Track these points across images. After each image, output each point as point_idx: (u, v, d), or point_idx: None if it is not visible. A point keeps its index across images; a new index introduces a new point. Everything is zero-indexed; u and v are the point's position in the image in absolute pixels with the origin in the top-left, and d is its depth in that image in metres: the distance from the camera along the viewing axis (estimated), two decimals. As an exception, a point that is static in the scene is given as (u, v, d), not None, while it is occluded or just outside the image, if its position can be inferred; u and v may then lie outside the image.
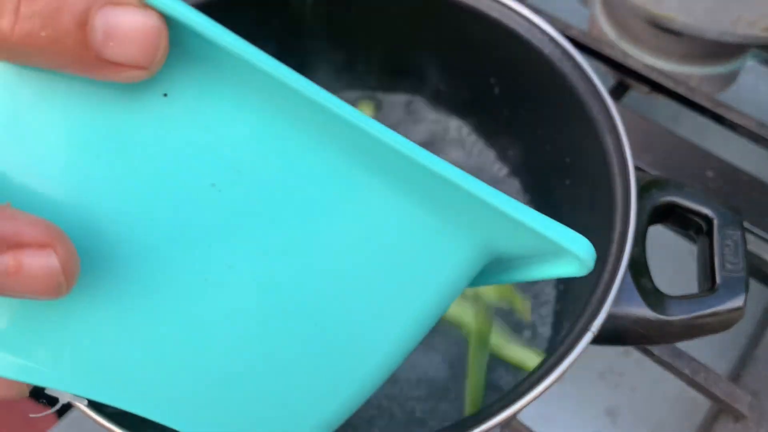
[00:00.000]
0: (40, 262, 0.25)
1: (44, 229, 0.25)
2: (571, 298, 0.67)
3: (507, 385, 0.67)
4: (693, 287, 0.59)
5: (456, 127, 0.83)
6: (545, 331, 0.71)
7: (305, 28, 0.77)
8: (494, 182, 0.78)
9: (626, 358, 0.82)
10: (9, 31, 0.23)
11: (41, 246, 0.25)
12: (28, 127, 0.25)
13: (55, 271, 0.25)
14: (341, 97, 0.28)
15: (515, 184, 0.77)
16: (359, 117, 0.28)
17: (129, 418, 0.50)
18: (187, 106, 0.28)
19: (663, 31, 0.93)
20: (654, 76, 0.90)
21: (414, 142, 0.30)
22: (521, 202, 0.34)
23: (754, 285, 0.81)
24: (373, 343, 0.34)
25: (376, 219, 0.31)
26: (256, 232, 0.30)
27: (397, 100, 0.85)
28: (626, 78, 0.94)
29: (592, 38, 0.94)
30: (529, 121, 0.74)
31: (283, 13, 0.75)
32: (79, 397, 0.33)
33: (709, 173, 0.82)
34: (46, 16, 0.23)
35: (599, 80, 0.62)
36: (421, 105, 0.85)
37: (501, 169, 0.79)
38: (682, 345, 0.70)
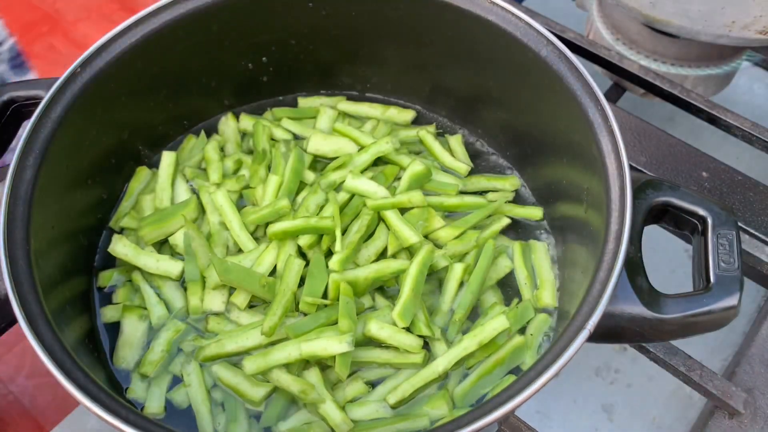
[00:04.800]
0: None
1: None
2: (568, 296, 0.67)
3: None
4: (688, 286, 0.60)
5: (453, 128, 0.84)
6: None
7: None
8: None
9: (622, 355, 0.83)
10: None
11: None
12: None
13: None
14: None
15: (515, 181, 0.78)
16: None
17: (133, 416, 0.51)
18: None
19: (659, 33, 0.94)
20: (650, 78, 0.91)
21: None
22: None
23: (749, 284, 0.82)
24: None
25: None
26: None
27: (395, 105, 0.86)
28: (622, 80, 0.95)
29: (589, 41, 0.95)
30: (526, 122, 0.75)
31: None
32: None
33: (704, 174, 0.83)
34: None
35: (595, 82, 0.63)
36: (417, 110, 0.86)
37: (499, 166, 0.80)
38: (678, 343, 0.71)
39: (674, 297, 0.57)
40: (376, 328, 0.64)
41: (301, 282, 0.67)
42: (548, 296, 0.70)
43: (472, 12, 0.69)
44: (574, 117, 0.64)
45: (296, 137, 0.82)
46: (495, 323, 0.65)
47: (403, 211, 0.72)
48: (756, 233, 0.78)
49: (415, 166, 0.74)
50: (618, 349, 0.83)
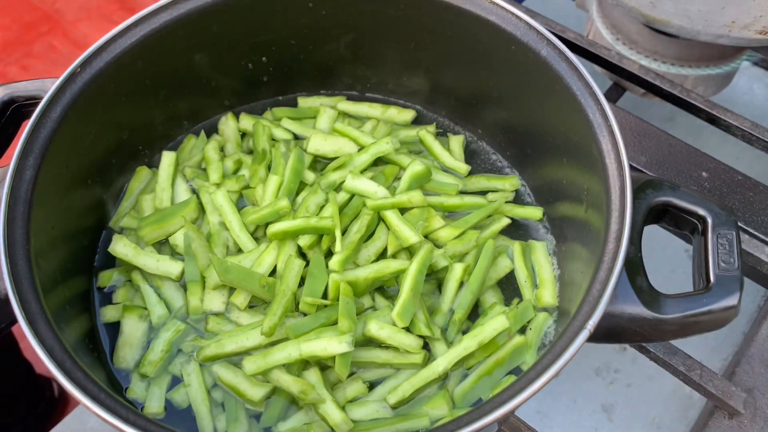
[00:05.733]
0: None
1: None
2: (568, 296, 0.67)
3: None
4: (688, 286, 0.60)
5: (453, 128, 0.84)
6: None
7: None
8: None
9: (622, 355, 0.83)
10: None
11: None
12: None
13: None
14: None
15: (515, 181, 0.78)
16: None
17: (133, 416, 0.51)
18: None
19: (659, 33, 0.94)
20: (650, 78, 0.91)
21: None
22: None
23: (749, 284, 0.82)
24: None
25: None
26: None
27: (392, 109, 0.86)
28: (622, 80, 0.95)
29: (589, 41, 0.95)
30: (526, 122, 0.75)
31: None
32: None
33: (704, 174, 0.83)
34: None
35: (595, 82, 0.63)
36: (417, 110, 0.86)
37: (499, 166, 0.80)
38: (678, 342, 0.71)
39: (674, 297, 0.57)
40: (375, 328, 0.64)
41: (301, 282, 0.67)
42: (548, 296, 0.70)
43: (472, 12, 0.69)
44: (574, 117, 0.64)
45: (296, 137, 0.82)
46: (495, 323, 0.65)
47: (403, 211, 0.72)
48: (756, 233, 0.78)
49: (415, 166, 0.74)
50: (618, 349, 0.83)
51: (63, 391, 1.49)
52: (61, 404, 1.47)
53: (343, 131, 0.79)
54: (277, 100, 0.86)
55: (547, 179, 0.76)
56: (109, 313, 0.69)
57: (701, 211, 0.60)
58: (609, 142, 0.60)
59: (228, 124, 0.82)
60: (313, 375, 0.64)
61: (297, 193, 0.75)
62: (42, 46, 2.28)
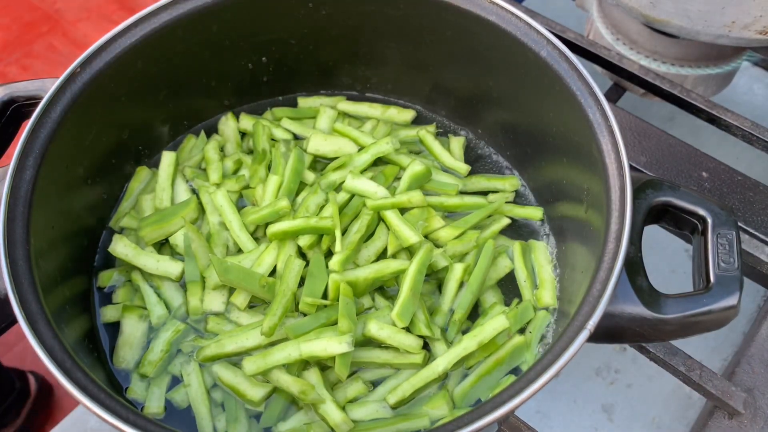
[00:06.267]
0: None
1: None
2: (568, 296, 0.67)
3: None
4: (688, 286, 0.60)
5: (453, 128, 0.84)
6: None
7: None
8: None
9: (622, 355, 0.83)
10: None
11: None
12: None
13: None
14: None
15: (515, 181, 0.78)
16: None
17: (133, 416, 0.51)
18: None
19: (659, 33, 0.94)
20: (650, 78, 0.91)
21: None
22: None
23: (749, 284, 0.82)
24: None
25: None
26: None
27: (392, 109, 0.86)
28: (622, 80, 0.95)
29: (589, 41, 0.95)
30: (526, 122, 0.75)
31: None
32: None
33: (704, 174, 0.83)
34: None
35: (595, 82, 0.63)
36: (417, 110, 0.85)
37: (499, 166, 0.80)
38: (678, 343, 0.71)
39: (674, 297, 0.57)
40: (375, 328, 0.64)
41: (301, 282, 0.67)
42: (548, 296, 0.70)
43: (472, 12, 0.69)
44: (574, 117, 0.64)
45: (296, 137, 0.82)
46: (495, 323, 0.65)
47: (403, 211, 0.72)
48: (756, 233, 0.78)
49: (415, 166, 0.74)
50: (618, 349, 0.83)
51: (41, 384, 1.51)
52: (37, 396, 1.48)
53: (343, 131, 0.80)
54: (277, 100, 0.86)
55: (547, 179, 0.76)
56: (109, 313, 0.69)
57: (701, 211, 0.60)
58: (609, 142, 0.60)
59: (228, 124, 0.82)
60: (313, 375, 0.64)
61: (297, 193, 0.75)
62: (42, 46, 2.28)
